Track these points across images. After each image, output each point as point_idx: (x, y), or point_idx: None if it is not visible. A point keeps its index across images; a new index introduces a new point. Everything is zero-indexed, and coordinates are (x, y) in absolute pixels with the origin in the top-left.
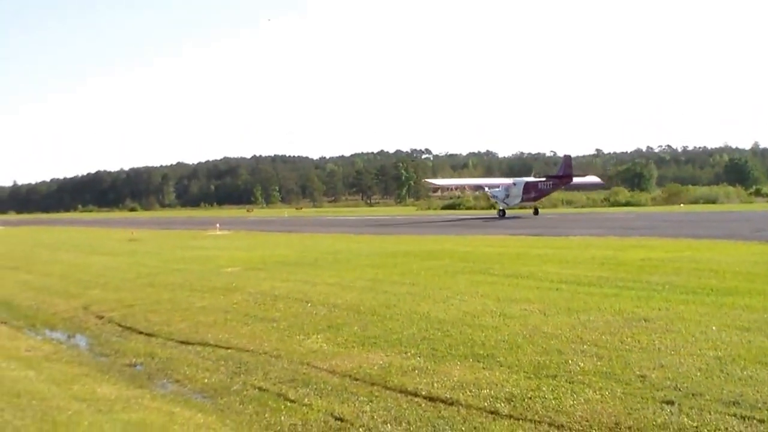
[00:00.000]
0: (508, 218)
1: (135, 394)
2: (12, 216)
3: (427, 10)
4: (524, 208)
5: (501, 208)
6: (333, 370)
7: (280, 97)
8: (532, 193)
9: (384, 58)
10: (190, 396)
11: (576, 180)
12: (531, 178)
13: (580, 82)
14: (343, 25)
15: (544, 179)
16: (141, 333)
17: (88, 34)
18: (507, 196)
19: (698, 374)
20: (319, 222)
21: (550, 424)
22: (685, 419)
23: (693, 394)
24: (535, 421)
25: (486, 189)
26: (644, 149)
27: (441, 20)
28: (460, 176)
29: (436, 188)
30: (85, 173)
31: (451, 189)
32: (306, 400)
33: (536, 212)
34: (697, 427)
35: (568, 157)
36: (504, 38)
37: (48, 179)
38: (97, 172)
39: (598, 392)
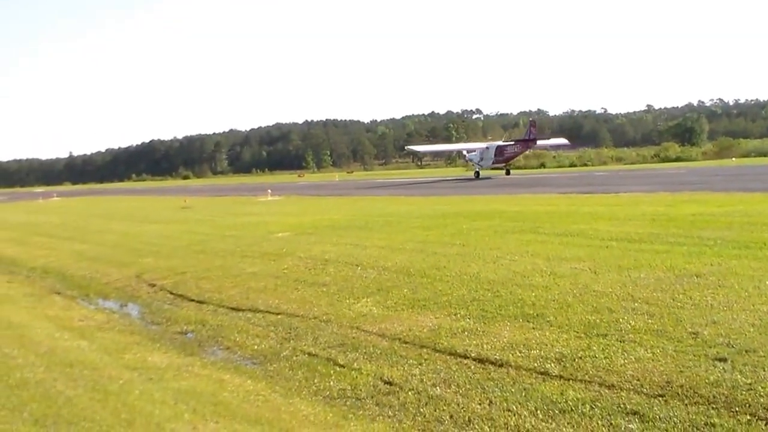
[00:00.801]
0: (493, 178)
1: (185, 362)
2: (67, 187)
3: None
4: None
5: (476, 170)
6: (382, 334)
7: (331, 61)
8: (503, 156)
9: (434, 19)
10: (240, 363)
11: (543, 142)
12: (501, 142)
13: (630, 37)
14: None
15: (512, 143)
16: (192, 300)
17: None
18: (481, 159)
19: (752, 330)
20: (369, 185)
21: (600, 384)
22: (739, 376)
23: (746, 351)
24: (585, 381)
25: (464, 153)
26: (695, 103)
27: None
28: (510, 136)
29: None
30: (139, 143)
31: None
32: (355, 364)
33: (508, 173)
34: (750, 385)
35: (533, 122)
36: None
37: (103, 149)
38: (151, 141)
39: (649, 350)
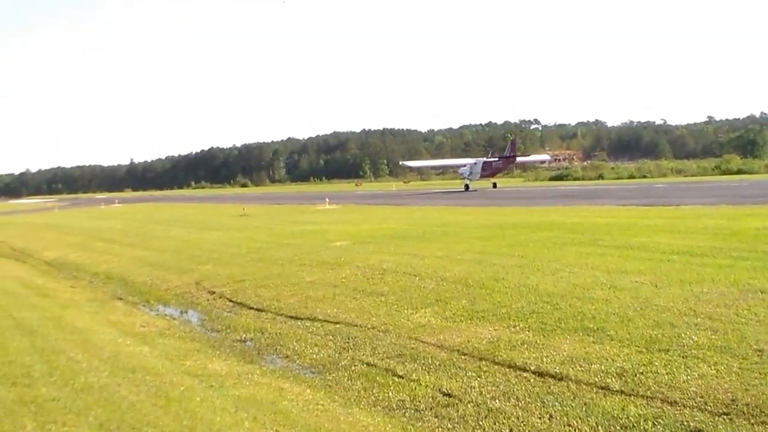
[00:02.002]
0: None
1: (245, 369)
2: (128, 193)
3: None
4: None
5: (466, 183)
6: (441, 345)
7: (388, 69)
8: (488, 171)
9: (491, 27)
10: (299, 371)
11: (523, 158)
12: (487, 159)
13: (690, 47)
14: None
15: (496, 159)
16: (251, 308)
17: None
18: (471, 173)
19: None
20: (426, 195)
21: (663, 401)
22: None
23: None
24: (647, 397)
25: (458, 169)
26: (758, 115)
27: None
28: (568, 147)
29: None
30: (198, 150)
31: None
32: (414, 375)
33: (494, 186)
34: None
35: (513, 141)
36: (604, 5)
37: (163, 157)
38: (210, 149)
39: (713, 367)
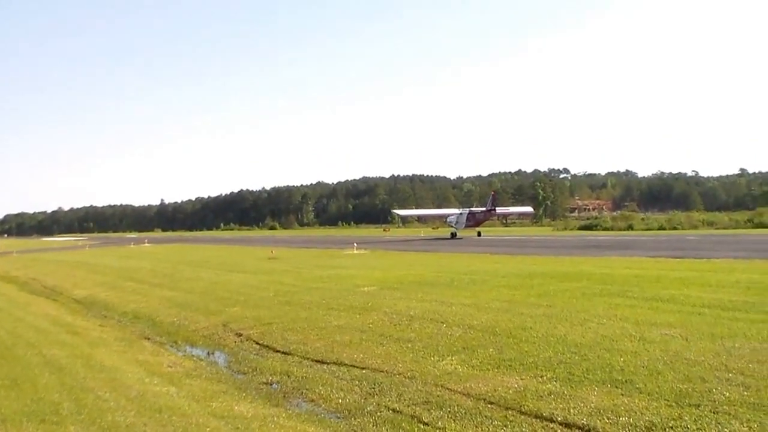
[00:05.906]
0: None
1: (271, 412)
2: (158, 233)
3: (572, 35)
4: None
5: (453, 231)
6: (467, 393)
7: (418, 116)
8: (472, 221)
9: (520, 76)
10: (325, 416)
11: (504, 210)
12: (471, 210)
13: (722, 99)
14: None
15: (479, 211)
16: (278, 351)
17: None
18: (457, 222)
19: None
20: (454, 242)
21: None
22: None
23: None
24: None
25: (447, 218)
26: None
27: (579, 39)
28: (598, 197)
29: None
30: (228, 192)
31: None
32: (440, 423)
33: (479, 234)
34: None
35: (495, 194)
36: (638, 57)
37: (193, 198)
38: (240, 191)
39: (745, 424)
